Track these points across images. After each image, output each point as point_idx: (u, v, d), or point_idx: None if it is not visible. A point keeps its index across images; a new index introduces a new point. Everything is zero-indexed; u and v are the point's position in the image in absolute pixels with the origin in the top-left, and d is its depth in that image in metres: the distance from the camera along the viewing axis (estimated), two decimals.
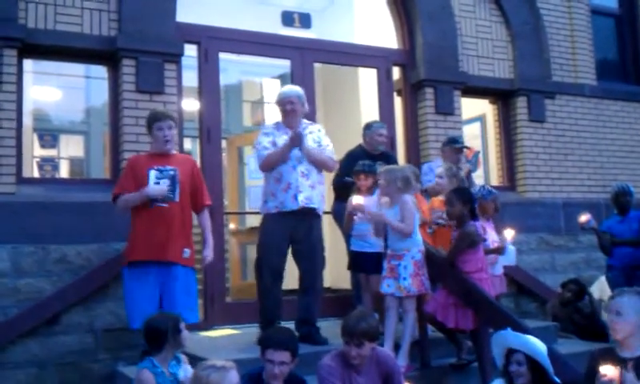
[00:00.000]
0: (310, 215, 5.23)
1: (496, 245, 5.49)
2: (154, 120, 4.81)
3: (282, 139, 5.20)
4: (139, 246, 4.61)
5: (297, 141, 5.07)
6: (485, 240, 5.16)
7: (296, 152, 5.14)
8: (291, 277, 5.55)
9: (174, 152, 4.93)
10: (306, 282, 5.31)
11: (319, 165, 5.30)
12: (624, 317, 3.48)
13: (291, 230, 5.18)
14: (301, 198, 5.10)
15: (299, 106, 5.34)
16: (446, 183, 5.47)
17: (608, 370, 3.22)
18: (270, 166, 5.21)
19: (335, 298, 7.12)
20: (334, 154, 5.48)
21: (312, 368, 4.04)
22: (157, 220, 4.62)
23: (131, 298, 4.62)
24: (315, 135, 5.40)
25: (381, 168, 5.76)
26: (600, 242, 6.57)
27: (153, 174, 4.65)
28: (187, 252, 4.69)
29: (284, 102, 5.34)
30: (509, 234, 5.45)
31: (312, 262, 5.29)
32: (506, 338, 3.75)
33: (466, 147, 6.30)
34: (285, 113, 5.35)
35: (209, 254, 4.93)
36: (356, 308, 5.68)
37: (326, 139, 5.44)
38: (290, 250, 5.29)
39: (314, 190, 5.20)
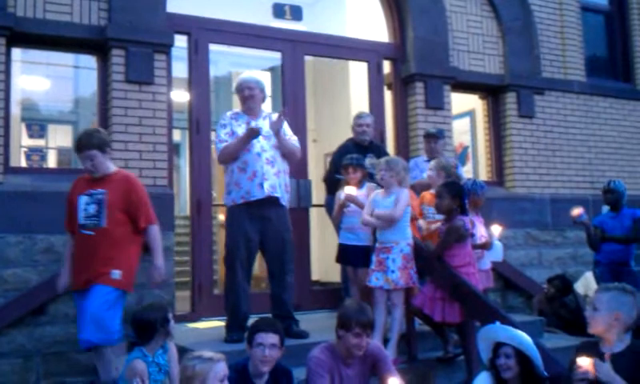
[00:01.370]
0: (275, 205, 5.13)
1: (484, 240, 5.51)
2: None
3: (242, 128, 5.12)
4: (72, 275, 4.59)
5: (254, 134, 4.97)
6: (473, 235, 5.18)
7: (261, 140, 5.05)
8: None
9: (113, 170, 4.65)
10: (277, 274, 5.20)
11: (288, 154, 5.25)
12: (599, 311, 3.55)
13: (259, 221, 5.07)
14: (266, 185, 5.02)
15: (258, 91, 5.27)
16: (434, 176, 5.49)
17: (583, 362, 3.28)
18: (228, 158, 5.10)
19: (324, 290, 7.15)
20: (298, 144, 5.45)
21: (298, 359, 4.06)
22: (82, 249, 4.51)
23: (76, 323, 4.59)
24: None
25: (371, 160, 5.80)
26: (589, 237, 6.60)
27: (82, 200, 4.52)
28: (116, 273, 4.42)
29: (242, 88, 5.27)
30: (496, 229, 5.47)
31: (282, 255, 5.18)
32: (494, 332, 3.77)
33: (433, 134, 6.27)
34: (243, 99, 5.27)
35: (154, 274, 4.64)
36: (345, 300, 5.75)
37: (289, 130, 5.40)
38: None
39: (278, 179, 5.12)
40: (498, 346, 3.70)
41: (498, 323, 3.84)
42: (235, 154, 5.06)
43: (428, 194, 5.58)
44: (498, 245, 5.58)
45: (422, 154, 6.74)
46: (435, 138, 6.23)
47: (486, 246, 5.46)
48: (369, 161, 5.82)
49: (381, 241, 5.03)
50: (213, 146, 6.75)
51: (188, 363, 3.34)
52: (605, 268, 6.47)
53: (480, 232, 5.49)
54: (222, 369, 3.32)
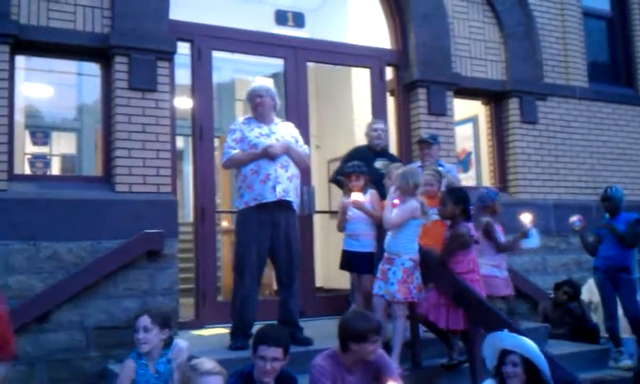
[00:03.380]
0: (286, 209, 5.17)
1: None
2: None
3: (255, 132, 5.20)
4: None
5: (269, 156, 5.06)
6: (477, 242, 5.17)
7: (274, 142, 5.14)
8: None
9: None
10: (285, 281, 5.24)
11: (298, 162, 5.31)
12: None
13: (270, 227, 5.10)
14: (279, 189, 5.06)
15: (268, 99, 5.33)
16: (435, 189, 5.52)
17: None
18: (233, 165, 5.24)
19: (327, 297, 7.14)
20: (308, 151, 5.59)
21: (302, 366, 4.06)
22: None
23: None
24: (291, 131, 5.43)
25: (383, 162, 5.86)
26: (583, 242, 6.62)
27: None
28: None
29: (252, 97, 5.35)
30: (526, 217, 5.45)
31: (290, 261, 5.21)
32: (501, 339, 3.75)
33: (426, 141, 6.26)
34: (254, 107, 5.35)
35: None
36: (349, 306, 5.76)
37: (300, 137, 5.48)
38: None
39: (291, 183, 5.17)
40: (504, 354, 3.69)
41: (505, 331, 3.82)
42: (242, 164, 5.14)
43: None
44: (533, 231, 5.55)
45: (418, 160, 6.75)
46: (428, 144, 6.21)
47: (524, 234, 5.48)
48: (381, 163, 5.90)
49: (387, 251, 5.02)
50: (216, 153, 6.79)
51: (184, 369, 3.36)
52: (602, 275, 6.46)
53: (502, 238, 5.56)
54: (215, 382, 3.29)
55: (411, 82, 7.32)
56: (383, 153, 6.30)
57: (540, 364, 3.62)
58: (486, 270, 5.46)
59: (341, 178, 6.12)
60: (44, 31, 5.63)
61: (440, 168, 6.07)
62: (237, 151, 5.17)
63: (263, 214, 5.07)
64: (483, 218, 5.61)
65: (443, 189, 5.49)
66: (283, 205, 5.12)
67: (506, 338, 3.74)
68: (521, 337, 3.76)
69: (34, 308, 5.13)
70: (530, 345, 3.67)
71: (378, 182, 5.69)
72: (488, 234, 5.63)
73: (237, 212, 5.29)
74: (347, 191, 5.62)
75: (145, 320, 4.08)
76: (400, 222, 4.91)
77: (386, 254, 5.03)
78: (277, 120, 5.44)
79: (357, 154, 6.23)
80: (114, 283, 5.38)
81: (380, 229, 5.44)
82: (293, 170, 5.22)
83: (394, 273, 4.90)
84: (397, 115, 7.48)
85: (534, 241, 5.61)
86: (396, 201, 5.13)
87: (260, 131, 5.21)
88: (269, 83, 5.69)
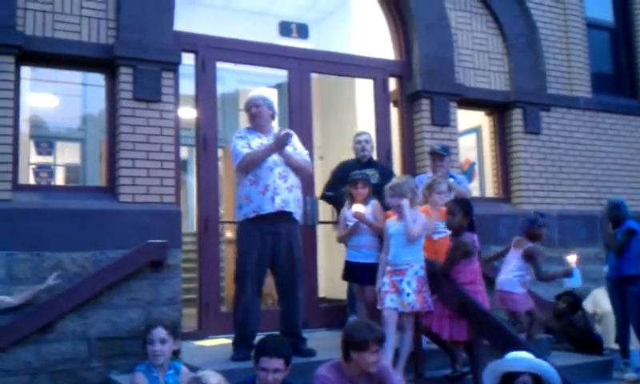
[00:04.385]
0: (287, 220, 5.15)
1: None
2: None
3: (256, 142, 5.19)
4: None
5: (283, 142, 5.02)
6: (480, 251, 5.17)
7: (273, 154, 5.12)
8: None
9: None
10: (287, 292, 5.22)
11: (297, 170, 5.27)
12: None
13: (271, 237, 5.09)
14: (278, 200, 5.03)
15: (265, 108, 5.32)
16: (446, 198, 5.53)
17: None
18: (248, 166, 5.11)
19: (330, 308, 7.13)
20: (309, 159, 5.55)
21: (305, 378, 4.05)
22: None
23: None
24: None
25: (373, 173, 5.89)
26: None
27: None
28: None
29: (249, 106, 5.36)
30: (572, 258, 5.48)
31: (292, 270, 5.19)
32: (510, 364, 3.65)
33: (438, 153, 6.25)
34: (251, 117, 5.35)
35: None
36: (348, 317, 5.75)
37: (299, 145, 5.45)
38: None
39: (290, 193, 5.14)
40: (512, 374, 3.60)
41: (513, 354, 3.73)
42: (257, 162, 5.07)
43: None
44: (577, 271, 5.54)
45: (428, 170, 6.75)
46: (441, 156, 6.20)
47: (568, 273, 5.48)
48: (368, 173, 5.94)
49: (394, 263, 5.00)
50: (220, 163, 6.82)
51: (189, 381, 3.37)
52: (611, 285, 6.47)
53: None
54: None
55: (415, 92, 7.33)
56: (371, 163, 6.32)
57: (554, 380, 3.56)
58: (510, 287, 5.45)
59: (331, 194, 6.17)
60: (49, 42, 5.66)
61: (451, 179, 6.08)
62: (248, 150, 5.14)
63: (264, 224, 5.05)
64: (527, 243, 5.52)
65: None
66: (284, 215, 5.10)
67: (516, 362, 3.63)
68: (530, 356, 3.67)
69: (37, 318, 5.13)
70: (541, 364, 3.60)
71: None
72: (529, 258, 5.48)
73: (237, 223, 5.30)
74: (350, 200, 5.63)
75: (161, 332, 4.10)
76: (419, 233, 4.94)
77: (389, 267, 5.01)
78: (275, 129, 5.42)
79: (346, 167, 6.25)
80: (117, 293, 5.38)
81: (382, 240, 5.44)
82: (292, 180, 5.19)
83: (407, 283, 4.88)
84: (400, 126, 7.48)
85: (576, 281, 5.56)
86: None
87: (261, 142, 5.21)
88: (272, 93, 5.69)
